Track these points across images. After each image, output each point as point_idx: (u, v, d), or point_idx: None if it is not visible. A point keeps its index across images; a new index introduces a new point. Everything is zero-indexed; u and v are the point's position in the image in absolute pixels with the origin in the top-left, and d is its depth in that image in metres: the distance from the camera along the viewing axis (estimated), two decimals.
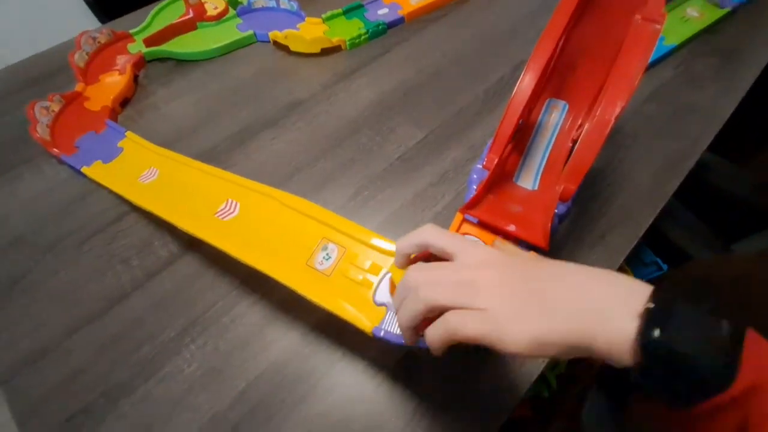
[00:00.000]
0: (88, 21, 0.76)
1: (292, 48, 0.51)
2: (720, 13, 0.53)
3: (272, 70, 0.50)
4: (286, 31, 0.50)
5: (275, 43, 0.52)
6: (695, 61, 0.49)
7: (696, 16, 0.53)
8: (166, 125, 0.44)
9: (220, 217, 0.31)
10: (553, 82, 0.39)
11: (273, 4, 0.54)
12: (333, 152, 0.41)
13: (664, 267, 0.51)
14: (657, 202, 0.38)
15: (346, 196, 0.38)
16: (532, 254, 0.26)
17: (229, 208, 0.31)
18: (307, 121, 0.44)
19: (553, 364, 0.37)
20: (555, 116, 0.39)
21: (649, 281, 0.19)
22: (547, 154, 0.36)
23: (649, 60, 0.42)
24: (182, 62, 0.50)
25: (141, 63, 0.49)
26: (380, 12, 0.55)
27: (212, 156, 0.41)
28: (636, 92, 0.39)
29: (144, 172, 0.37)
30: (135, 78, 0.48)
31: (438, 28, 0.54)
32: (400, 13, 0.54)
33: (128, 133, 0.41)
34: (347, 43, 0.51)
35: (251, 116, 0.45)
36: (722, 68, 0.48)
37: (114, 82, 0.46)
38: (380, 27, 0.52)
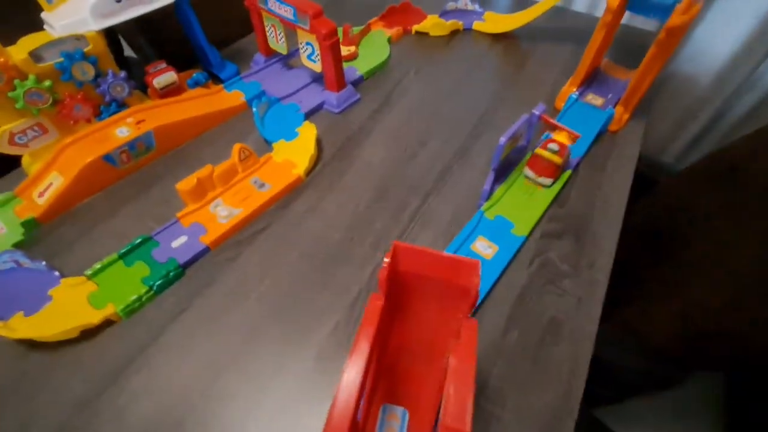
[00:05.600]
0: None
1: (38, 339, 0.35)
2: (564, 177, 0.50)
3: (8, 380, 0.33)
4: (17, 315, 0.34)
5: None
6: (549, 249, 0.43)
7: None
8: None
9: None
10: (382, 386, 0.30)
11: (11, 265, 0.39)
12: None
13: None
14: None
15: None
16: None
17: None
18: None
19: None
20: (395, 425, 0.29)
21: None
22: None
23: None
24: None
25: None
26: (175, 244, 0.42)
27: None
28: (494, 321, 0.37)
29: None
30: None
31: (254, 251, 0.43)
32: (203, 240, 0.42)
33: None
34: (120, 313, 0.37)
35: None
36: (577, 253, 0.43)
37: None
38: (171, 274, 0.39)
